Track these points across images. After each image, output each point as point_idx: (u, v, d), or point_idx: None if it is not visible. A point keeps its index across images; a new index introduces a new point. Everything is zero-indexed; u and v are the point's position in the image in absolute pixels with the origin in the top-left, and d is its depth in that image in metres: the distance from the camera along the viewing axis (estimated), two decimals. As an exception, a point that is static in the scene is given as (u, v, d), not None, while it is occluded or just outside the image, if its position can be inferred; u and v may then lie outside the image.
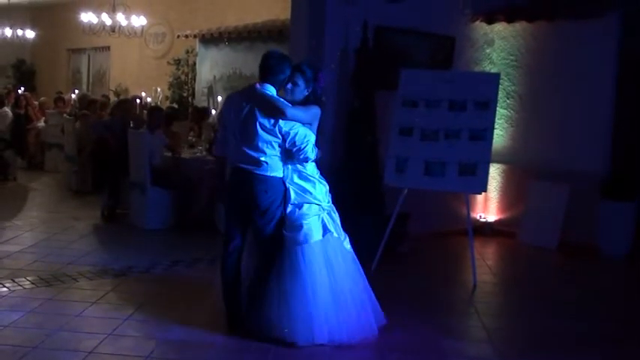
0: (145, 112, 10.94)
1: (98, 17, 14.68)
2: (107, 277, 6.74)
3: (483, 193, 8.78)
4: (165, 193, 9.05)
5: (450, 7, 9.21)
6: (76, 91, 15.79)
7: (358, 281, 5.33)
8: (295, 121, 5.08)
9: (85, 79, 19.63)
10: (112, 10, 14.55)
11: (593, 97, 8.91)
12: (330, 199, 5.37)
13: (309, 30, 8.21)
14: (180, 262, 7.44)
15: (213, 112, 11.12)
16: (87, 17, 14.70)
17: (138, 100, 12.78)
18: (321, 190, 5.29)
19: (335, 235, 5.25)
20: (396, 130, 7.81)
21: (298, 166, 5.23)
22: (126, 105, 10.56)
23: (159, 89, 14.53)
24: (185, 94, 14.81)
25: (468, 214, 7.64)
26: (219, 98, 11.80)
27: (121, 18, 14.67)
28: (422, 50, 8.89)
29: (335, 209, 5.39)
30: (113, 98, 15.60)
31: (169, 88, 15.05)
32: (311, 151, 5.13)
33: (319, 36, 8.14)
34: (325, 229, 5.20)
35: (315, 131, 5.24)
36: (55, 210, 10.22)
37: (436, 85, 7.83)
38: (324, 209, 5.26)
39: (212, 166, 9.10)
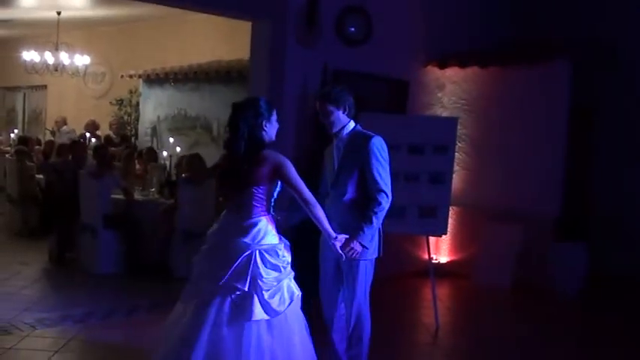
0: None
1: (41, 55, 14.47)
2: (66, 324, 6.52)
3: (435, 235, 8.85)
4: (117, 236, 8.88)
5: (404, 51, 9.39)
6: (15, 131, 15.42)
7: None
8: None
9: (20, 119, 19.18)
10: (54, 49, 14.34)
11: (545, 140, 9.11)
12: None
13: (269, 73, 8.27)
14: (140, 308, 7.27)
15: (165, 153, 10.95)
16: (29, 55, 14.48)
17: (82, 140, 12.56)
18: None
19: None
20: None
21: None
22: (77, 147, 10.35)
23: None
24: (128, 135, 14.61)
25: (429, 256, 7.69)
26: (171, 140, 11.66)
27: (64, 57, 14.48)
28: (378, 94, 8.99)
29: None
30: (48, 137, 15.29)
31: (110, 128, 14.83)
32: None
33: (279, 79, 8.19)
34: None
35: None
36: (0, 254, 9.88)
37: (395, 129, 7.90)
38: None
39: (166, 207, 9.03)
